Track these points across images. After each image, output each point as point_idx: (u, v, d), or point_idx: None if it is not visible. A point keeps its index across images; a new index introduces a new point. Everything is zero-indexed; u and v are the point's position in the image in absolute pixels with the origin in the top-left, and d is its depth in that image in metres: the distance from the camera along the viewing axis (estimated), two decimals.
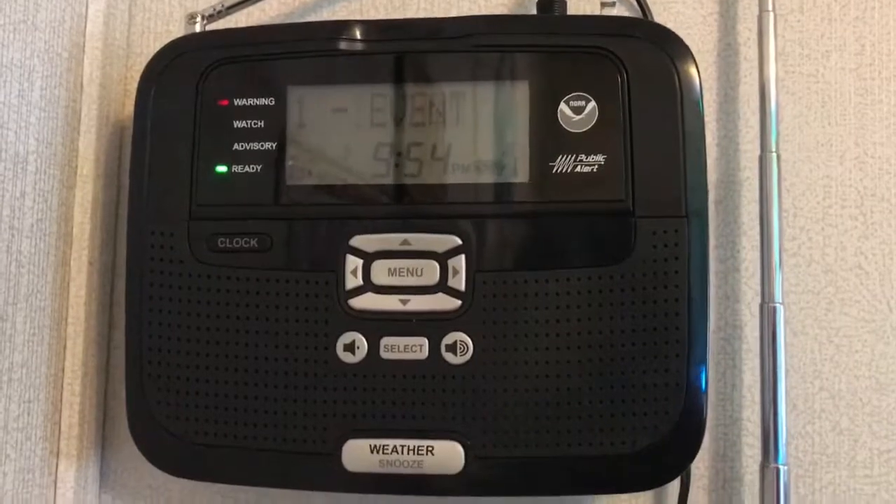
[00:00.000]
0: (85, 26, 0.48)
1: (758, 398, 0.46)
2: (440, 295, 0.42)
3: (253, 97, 0.44)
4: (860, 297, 0.47)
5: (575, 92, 0.42)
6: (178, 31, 0.52)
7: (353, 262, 0.43)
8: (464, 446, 0.41)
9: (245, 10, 0.50)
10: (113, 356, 0.50)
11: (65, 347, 0.47)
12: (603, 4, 0.45)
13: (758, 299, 0.46)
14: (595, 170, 0.42)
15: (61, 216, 0.46)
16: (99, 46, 0.48)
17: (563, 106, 0.42)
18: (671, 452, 0.41)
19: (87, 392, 0.47)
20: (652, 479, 0.42)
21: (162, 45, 0.51)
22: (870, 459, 0.46)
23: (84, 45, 0.48)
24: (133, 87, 0.51)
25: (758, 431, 0.45)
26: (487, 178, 0.43)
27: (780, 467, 0.43)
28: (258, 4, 0.49)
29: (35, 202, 0.44)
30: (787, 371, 0.44)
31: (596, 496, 0.47)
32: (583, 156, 0.42)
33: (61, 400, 0.46)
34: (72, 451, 0.46)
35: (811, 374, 0.47)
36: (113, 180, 0.50)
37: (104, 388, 0.49)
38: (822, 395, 0.47)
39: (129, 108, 0.51)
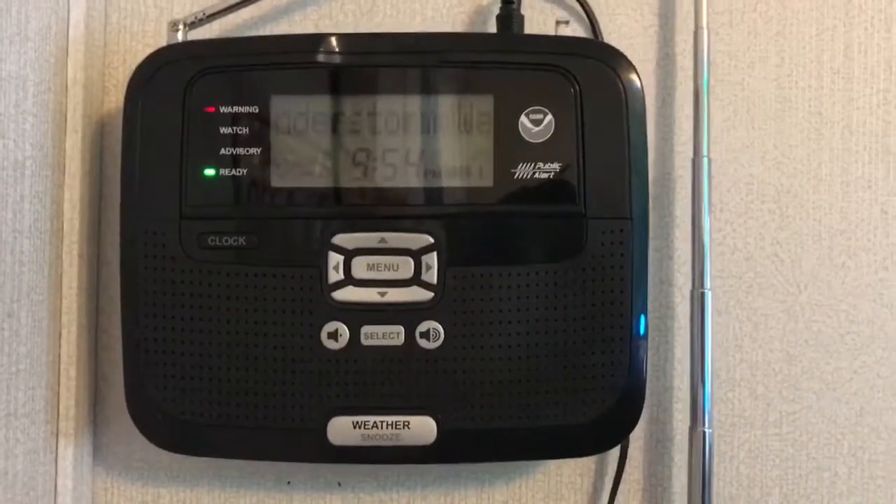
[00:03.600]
0: (68, 30, 0.50)
1: (687, 369, 0.52)
2: (414, 288, 0.47)
3: (238, 105, 0.48)
4: (775, 282, 0.54)
5: (534, 106, 0.47)
6: (152, 30, 0.54)
7: (335, 259, 0.47)
8: (436, 420, 0.47)
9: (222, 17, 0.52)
10: (99, 340, 0.53)
11: (60, 336, 0.50)
12: (558, 22, 0.50)
13: (688, 284, 0.52)
14: (552, 176, 0.47)
15: (53, 214, 0.49)
16: (81, 49, 0.51)
17: (523, 118, 0.47)
18: (617, 420, 0.48)
19: (81, 376, 0.51)
20: (601, 444, 0.49)
21: (138, 43, 0.54)
22: (779, 420, 0.54)
23: (68, 49, 0.50)
24: (111, 84, 0.54)
25: (686, 398, 0.52)
26: (456, 182, 0.47)
27: (706, 431, 0.50)
28: (234, 11, 0.52)
29: (32, 204, 0.47)
30: (711, 346, 0.51)
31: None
32: (541, 163, 0.47)
33: (59, 384, 0.50)
34: (69, 430, 0.50)
35: (732, 348, 0.54)
36: (96, 176, 0.53)
37: (94, 371, 0.53)
38: (741, 366, 0.54)
39: (108, 105, 0.54)
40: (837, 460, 0.54)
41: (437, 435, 0.47)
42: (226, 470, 0.54)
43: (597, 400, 0.47)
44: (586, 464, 0.54)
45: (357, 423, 0.47)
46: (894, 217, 0.54)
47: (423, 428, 0.47)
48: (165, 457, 0.53)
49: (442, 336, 0.47)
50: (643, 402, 0.48)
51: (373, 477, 0.54)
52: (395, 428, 0.47)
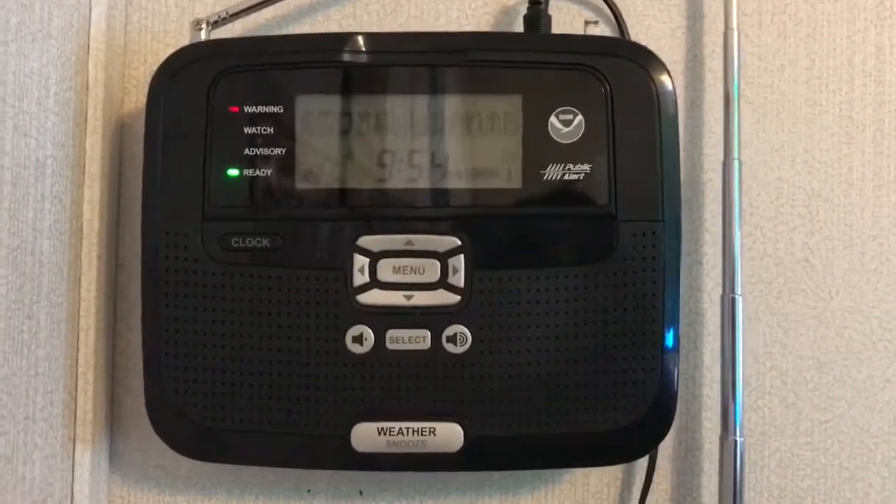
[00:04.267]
0: (89, 29, 0.50)
1: (717, 377, 0.51)
2: (441, 291, 0.46)
3: (262, 105, 0.47)
4: (806, 287, 0.53)
5: (564, 106, 0.46)
6: (174, 29, 0.54)
7: (361, 261, 0.46)
8: (463, 427, 0.46)
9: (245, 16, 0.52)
10: (116, 344, 0.52)
11: (78, 339, 0.49)
12: (587, 22, 0.49)
13: (717, 289, 0.51)
14: (582, 178, 0.46)
15: (73, 214, 0.48)
16: (102, 48, 0.50)
17: (553, 119, 0.46)
18: (648, 428, 0.46)
19: (98, 380, 0.50)
20: (631, 453, 0.48)
21: (159, 43, 0.54)
22: (811, 429, 0.53)
23: (89, 48, 0.50)
24: (131, 84, 0.53)
25: (716, 406, 0.51)
26: (484, 183, 0.46)
27: (738, 440, 0.48)
28: (257, 10, 0.51)
29: (52, 203, 0.46)
30: (742, 353, 0.50)
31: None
32: (570, 165, 0.46)
33: (76, 388, 0.49)
34: (87, 435, 0.49)
35: (763, 355, 0.53)
36: (116, 176, 0.52)
37: (111, 376, 0.52)
38: (771, 373, 0.53)
39: (128, 105, 0.53)
40: (870, 470, 0.53)
41: (464, 442, 0.46)
42: (244, 477, 0.52)
43: (627, 407, 0.46)
44: (613, 472, 0.52)
45: (382, 429, 0.46)
46: None
47: (449, 434, 0.46)
48: (183, 463, 0.52)
49: (469, 340, 0.46)
50: (675, 411, 0.47)
51: (395, 485, 0.52)
52: (421, 434, 0.46)
